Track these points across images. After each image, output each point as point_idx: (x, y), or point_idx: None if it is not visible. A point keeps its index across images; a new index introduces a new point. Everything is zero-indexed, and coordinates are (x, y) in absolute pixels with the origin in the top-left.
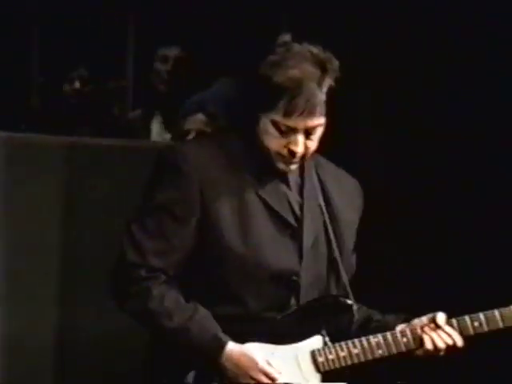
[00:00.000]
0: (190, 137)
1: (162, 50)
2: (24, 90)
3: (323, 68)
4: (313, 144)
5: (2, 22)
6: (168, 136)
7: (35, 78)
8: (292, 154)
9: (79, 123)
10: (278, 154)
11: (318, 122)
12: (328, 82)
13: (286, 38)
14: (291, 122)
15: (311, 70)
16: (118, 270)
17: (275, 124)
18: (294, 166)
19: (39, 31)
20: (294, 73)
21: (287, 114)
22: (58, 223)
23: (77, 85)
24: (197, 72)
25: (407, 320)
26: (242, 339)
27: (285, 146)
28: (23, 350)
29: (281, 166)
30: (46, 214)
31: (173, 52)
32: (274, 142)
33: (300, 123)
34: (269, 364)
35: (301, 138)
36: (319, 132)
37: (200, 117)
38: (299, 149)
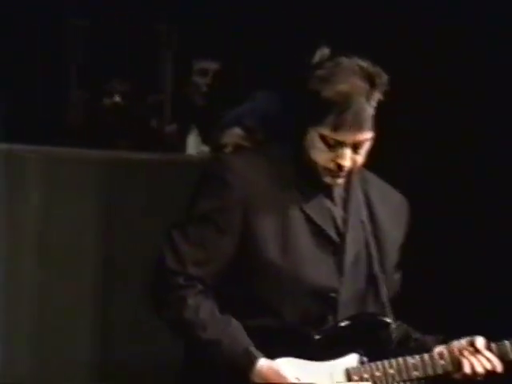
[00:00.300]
0: (227, 151)
1: (201, 64)
2: (63, 104)
3: (372, 82)
4: (360, 158)
5: (40, 38)
6: (205, 149)
7: (74, 92)
8: (339, 168)
9: (118, 136)
10: (325, 168)
11: (366, 136)
12: (377, 96)
13: (326, 51)
14: (339, 137)
15: (360, 84)
16: (156, 276)
17: (323, 138)
18: (340, 180)
19: (77, 45)
20: (343, 87)
21: (336, 128)
22: (95, 236)
23: (116, 98)
24: (235, 85)
25: (445, 341)
26: (275, 353)
27: (332, 160)
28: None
29: (327, 179)
30: (82, 227)
31: (212, 65)
32: (321, 155)
33: (348, 137)
34: (298, 379)
35: (348, 152)
36: (367, 146)
37: (237, 131)
38: (347, 163)
